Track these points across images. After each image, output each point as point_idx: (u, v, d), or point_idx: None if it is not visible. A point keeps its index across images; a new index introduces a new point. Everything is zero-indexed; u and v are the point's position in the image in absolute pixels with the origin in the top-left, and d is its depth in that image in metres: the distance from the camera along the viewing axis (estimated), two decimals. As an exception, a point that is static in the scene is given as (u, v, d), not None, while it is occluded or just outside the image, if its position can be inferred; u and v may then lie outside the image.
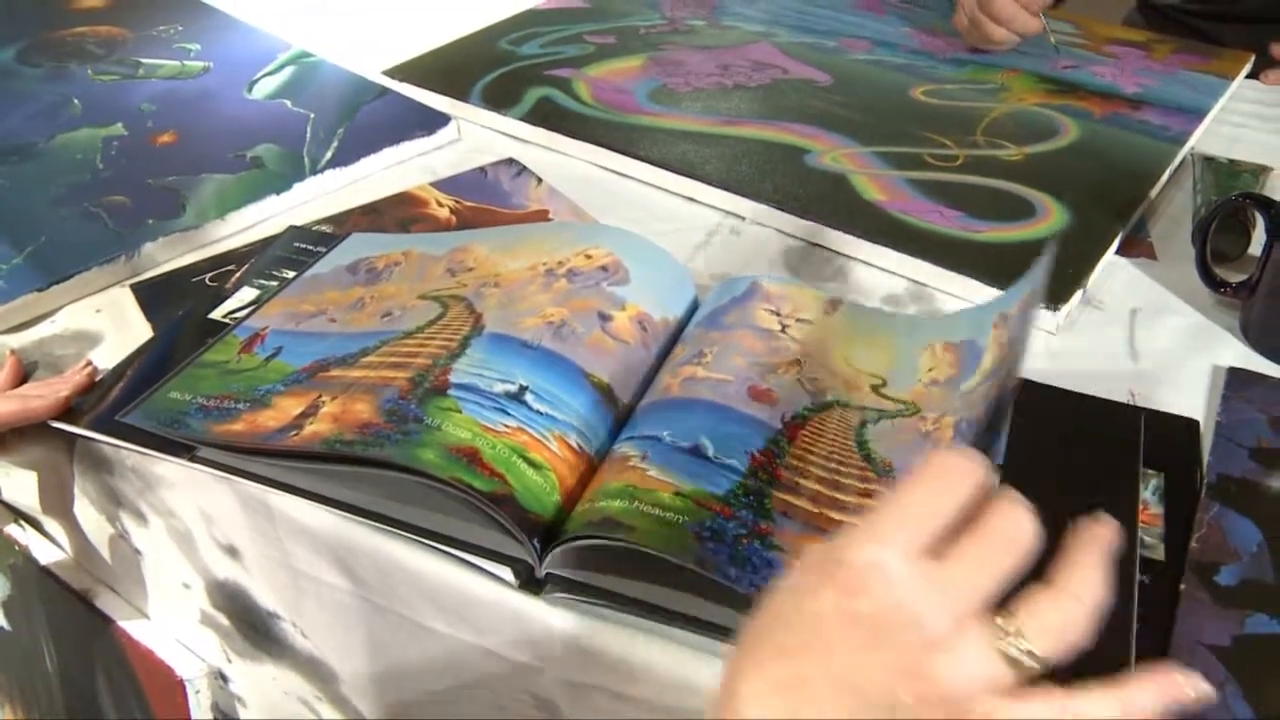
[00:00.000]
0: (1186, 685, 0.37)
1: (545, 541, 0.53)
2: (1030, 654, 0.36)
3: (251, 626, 0.69)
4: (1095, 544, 0.40)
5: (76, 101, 0.97)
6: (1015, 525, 0.38)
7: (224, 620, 0.70)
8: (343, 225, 0.81)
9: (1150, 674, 0.37)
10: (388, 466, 0.54)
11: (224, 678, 0.74)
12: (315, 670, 0.67)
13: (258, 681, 0.72)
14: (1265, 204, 0.70)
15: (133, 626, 0.74)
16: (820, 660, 0.36)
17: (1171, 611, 0.53)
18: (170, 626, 0.74)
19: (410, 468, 0.53)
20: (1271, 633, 0.52)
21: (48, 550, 0.78)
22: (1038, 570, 0.39)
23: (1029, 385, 0.66)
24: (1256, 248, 0.74)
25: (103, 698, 0.80)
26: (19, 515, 0.79)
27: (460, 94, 0.97)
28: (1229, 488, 0.59)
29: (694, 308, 0.69)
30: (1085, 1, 1.40)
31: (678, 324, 0.67)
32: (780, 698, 0.36)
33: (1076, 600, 0.37)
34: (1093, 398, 0.65)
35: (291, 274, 0.74)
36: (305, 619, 0.65)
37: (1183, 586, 0.54)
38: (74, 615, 0.76)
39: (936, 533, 0.37)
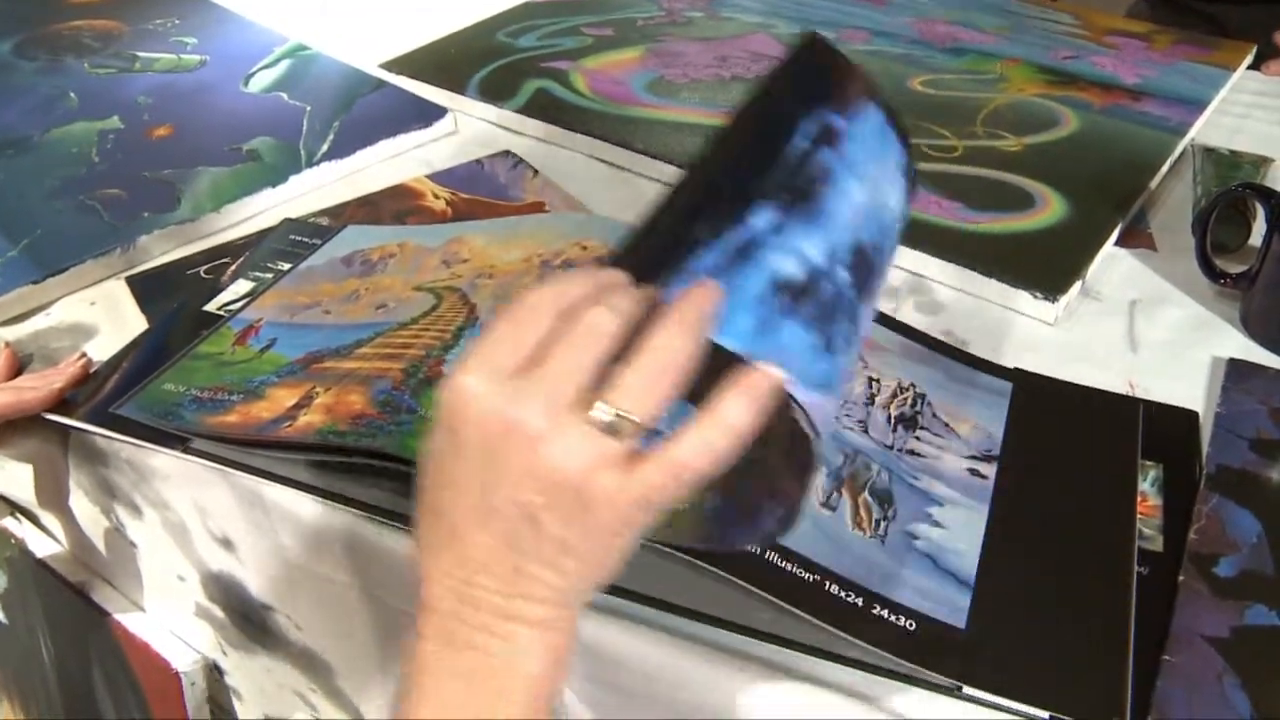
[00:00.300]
0: (762, 377, 0.39)
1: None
2: (620, 415, 0.38)
3: (246, 619, 0.68)
4: (687, 316, 0.40)
5: (73, 95, 0.97)
6: (597, 318, 0.39)
7: (219, 613, 0.70)
8: (338, 218, 0.81)
9: (729, 387, 0.39)
10: (380, 457, 0.54)
11: (219, 670, 0.74)
12: (310, 663, 0.67)
13: (253, 674, 0.72)
14: (1266, 194, 0.70)
15: (128, 619, 0.74)
16: (458, 503, 0.39)
17: (1170, 603, 0.52)
18: (165, 619, 0.74)
19: (402, 458, 0.53)
20: (1271, 625, 0.51)
21: (44, 543, 0.78)
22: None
23: (1027, 376, 0.65)
24: (1257, 239, 0.74)
25: (99, 691, 0.79)
26: (15, 508, 0.79)
27: (457, 87, 0.97)
28: (1228, 479, 0.59)
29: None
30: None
31: None
32: (447, 559, 0.40)
33: (652, 356, 0.38)
34: (1091, 389, 0.65)
35: (287, 266, 0.73)
36: (300, 611, 0.65)
37: (1181, 578, 0.53)
38: (70, 608, 0.76)
39: (523, 353, 0.39)
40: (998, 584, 0.52)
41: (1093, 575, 0.53)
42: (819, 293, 0.42)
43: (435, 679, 0.40)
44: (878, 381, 0.62)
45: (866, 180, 0.45)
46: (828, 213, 0.43)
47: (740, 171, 0.43)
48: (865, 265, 0.44)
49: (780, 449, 0.41)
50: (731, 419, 0.38)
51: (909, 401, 0.61)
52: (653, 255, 0.41)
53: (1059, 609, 0.51)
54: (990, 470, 0.58)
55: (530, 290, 0.40)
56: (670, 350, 0.39)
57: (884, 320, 0.67)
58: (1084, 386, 0.65)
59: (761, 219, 0.41)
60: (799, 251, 0.42)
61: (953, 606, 0.51)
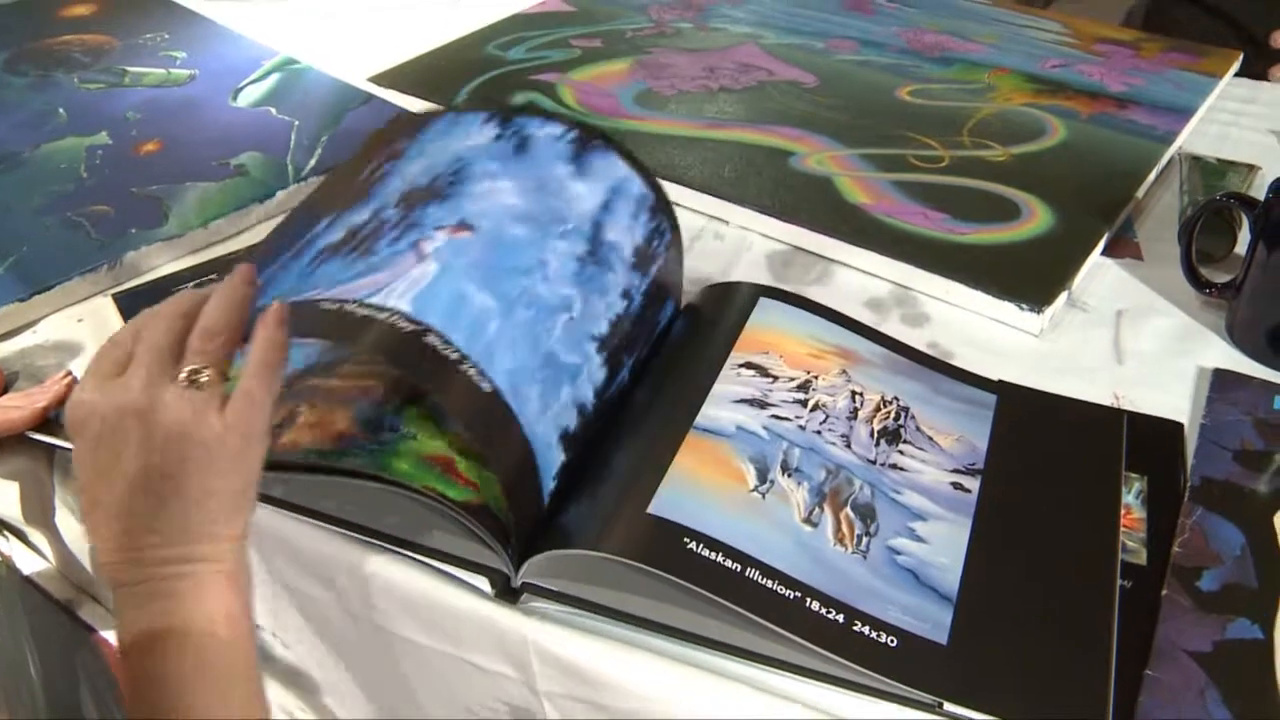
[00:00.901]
0: (274, 308, 0.51)
1: (524, 551, 0.52)
2: (195, 371, 0.48)
3: (233, 637, 0.68)
4: (227, 290, 0.52)
5: (62, 110, 0.97)
6: (160, 311, 0.51)
7: (206, 631, 0.70)
8: (325, 232, 0.81)
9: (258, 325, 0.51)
10: (361, 476, 0.54)
11: (207, 688, 0.74)
12: (297, 680, 0.67)
13: (241, 692, 0.72)
14: (1250, 204, 0.70)
15: (115, 636, 0.74)
16: (109, 488, 0.47)
17: (1153, 617, 0.52)
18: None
19: (382, 477, 0.53)
20: (1254, 638, 0.51)
21: (31, 560, 0.78)
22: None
23: (1011, 388, 0.65)
24: (1242, 248, 0.74)
25: (86, 707, 0.79)
26: (2, 525, 0.78)
27: (445, 101, 0.97)
28: (1212, 491, 0.59)
29: (674, 315, 0.68)
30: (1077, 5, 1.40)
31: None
32: (115, 539, 0.47)
33: (202, 321, 0.50)
34: (1075, 400, 0.65)
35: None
36: (286, 630, 0.65)
37: (1165, 592, 0.53)
38: (57, 625, 0.76)
39: (118, 359, 0.49)
40: (980, 599, 0.52)
41: (1075, 590, 0.53)
42: (363, 237, 0.56)
43: (147, 636, 0.46)
44: (861, 395, 0.62)
45: (422, 167, 0.61)
46: (377, 194, 0.59)
47: (319, 206, 0.62)
48: (416, 202, 0.58)
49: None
50: (265, 342, 0.50)
51: (892, 415, 0.61)
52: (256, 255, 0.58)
53: (1041, 624, 0.51)
54: (973, 484, 0.58)
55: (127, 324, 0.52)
56: (214, 314, 0.50)
57: (868, 333, 0.67)
58: (1068, 398, 0.65)
59: (323, 224, 0.59)
60: (346, 224, 0.58)
61: (935, 623, 0.51)
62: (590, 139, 0.64)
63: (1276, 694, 0.49)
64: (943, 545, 0.54)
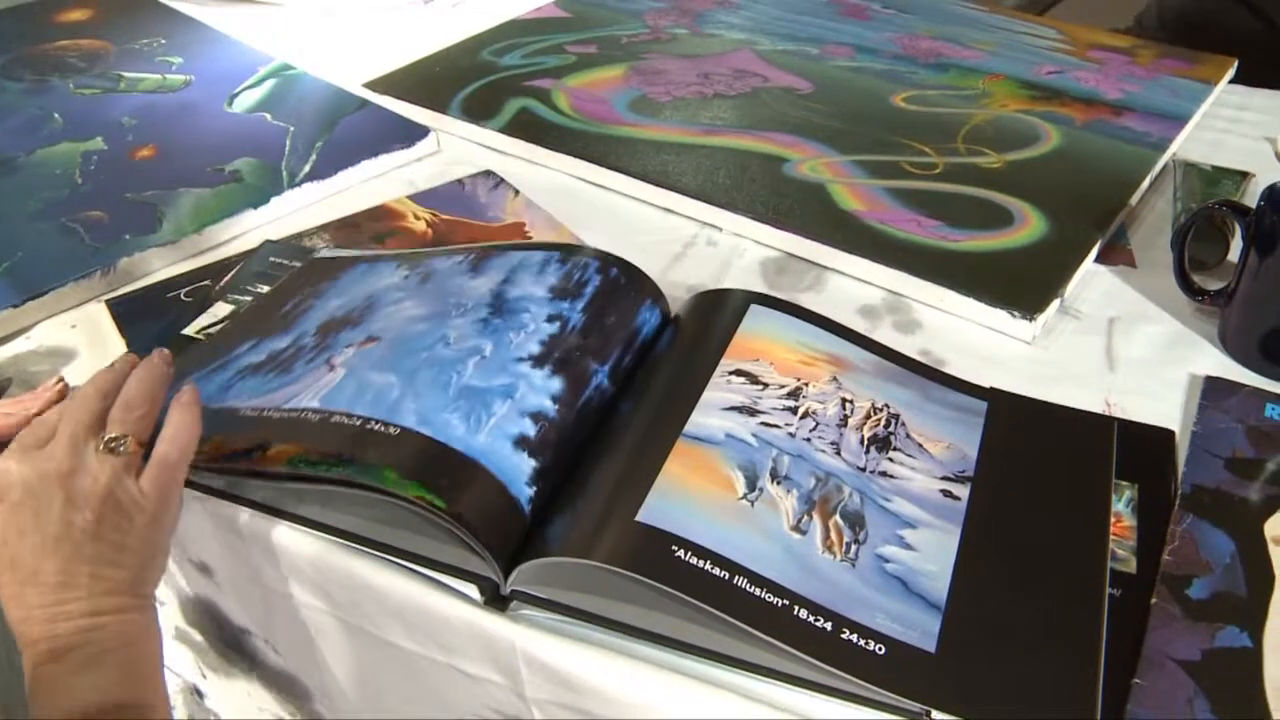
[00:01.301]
0: (187, 391, 0.58)
1: (513, 558, 0.53)
2: (115, 439, 0.54)
3: (225, 643, 0.69)
4: (146, 369, 0.59)
5: (57, 116, 0.97)
6: (85, 388, 0.57)
7: (198, 636, 0.70)
8: (320, 239, 0.81)
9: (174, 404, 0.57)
10: (350, 485, 0.54)
11: (199, 693, 0.74)
12: (288, 686, 0.67)
13: (232, 697, 0.72)
14: (1242, 211, 0.70)
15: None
16: (28, 547, 0.51)
17: (1142, 625, 0.52)
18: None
19: (371, 486, 0.53)
20: (1242, 646, 0.51)
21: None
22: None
23: (1002, 395, 0.65)
24: (1235, 255, 0.74)
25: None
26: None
27: (440, 106, 0.97)
28: (1203, 499, 0.59)
29: (664, 321, 0.68)
30: (1076, 12, 1.41)
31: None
32: (33, 597, 0.50)
33: (125, 394, 0.56)
34: (1066, 408, 0.65)
35: (266, 289, 0.73)
36: (277, 635, 0.65)
37: (1154, 600, 0.53)
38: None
39: (43, 433, 0.54)
40: (968, 607, 0.52)
41: (1064, 599, 0.53)
42: (282, 360, 0.64)
43: (63, 689, 0.50)
44: (851, 402, 0.62)
45: (340, 303, 0.69)
46: (297, 325, 0.67)
47: (243, 329, 0.69)
48: (332, 330, 0.65)
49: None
50: (177, 420, 0.56)
51: (883, 422, 0.61)
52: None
53: (1030, 632, 0.51)
54: (963, 491, 0.58)
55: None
56: (134, 389, 0.56)
57: (859, 340, 0.67)
58: (1059, 406, 0.65)
59: (245, 346, 0.66)
60: (267, 349, 0.65)
61: (923, 630, 0.51)
62: (486, 254, 0.70)
63: (1265, 703, 0.49)
64: (932, 553, 0.54)
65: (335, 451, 0.55)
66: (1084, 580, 0.54)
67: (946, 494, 0.58)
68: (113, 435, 0.54)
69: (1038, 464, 0.61)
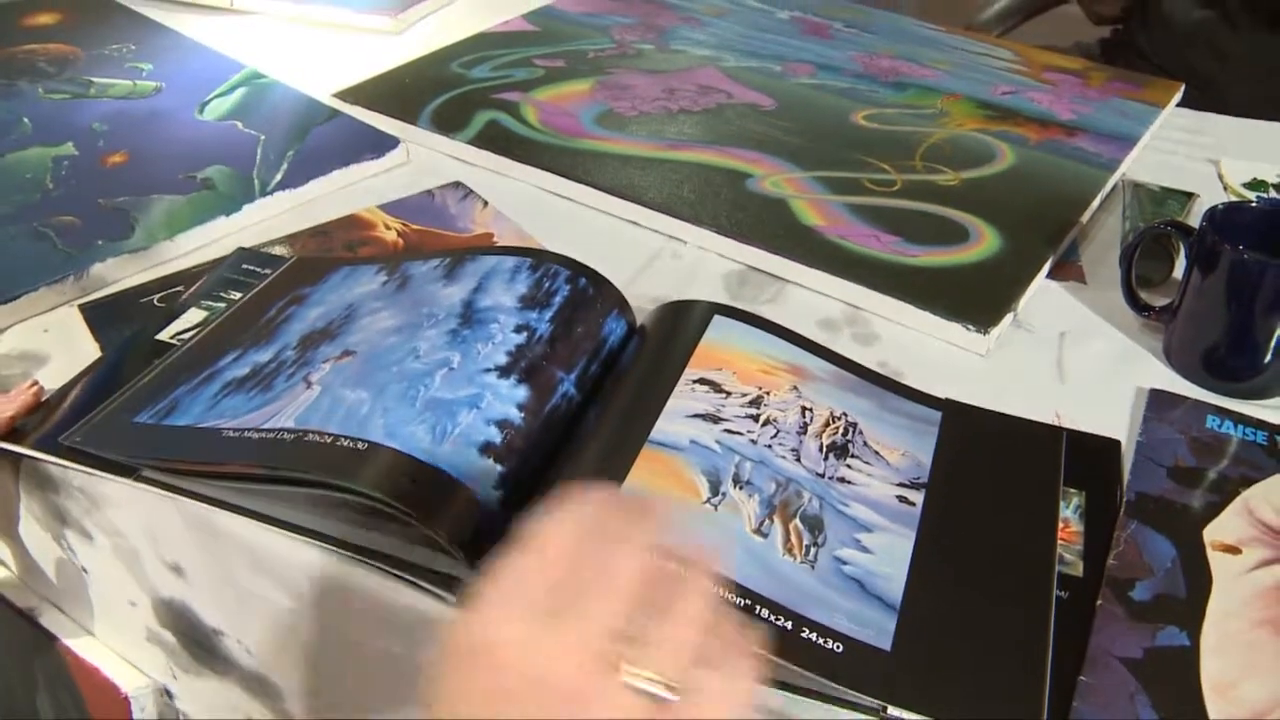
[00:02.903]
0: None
1: (487, 558, 0.54)
2: (653, 679, 0.37)
3: (197, 643, 0.69)
4: (698, 573, 0.41)
5: (26, 120, 0.98)
6: (623, 561, 0.39)
7: (170, 637, 0.71)
8: (291, 247, 0.82)
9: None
10: (324, 486, 0.55)
11: (169, 694, 0.75)
12: (260, 686, 0.68)
13: (203, 697, 0.73)
14: (1186, 231, 0.73)
15: (77, 644, 0.74)
16: None
17: (1087, 625, 0.55)
18: (116, 644, 0.75)
19: (345, 486, 0.54)
20: (1181, 645, 0.54)
21: (-8, 569, 0.78)
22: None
23: (956, 406, 0.68)
24: (1180, 273, 0.77)
25: (44, 715, 0.80)
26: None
27: (410, 117, 0.98)
28: (1147, 506, 0.62)
29: (630, 331, 0.70)
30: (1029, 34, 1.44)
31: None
32: None
33: (682, 622, 0.39)
34: (1018, 419, 0.67)
35: (238, 295, 0.75)
36: (250, 636, 0.66)
37: (1099, 602, 0.56)
38: (17, 633, 0.77)
39: (551, 591, 0.38)
40: (922, 608, 0.54)
41: (1013, 600, 0.55)
42: (264, 375, 0.65)
43: None
44: (810, 410, 0.64)
45: (320, 313, 0.70)
46: (280, 336, 0.68)
47: (228, 337, 0.70)
48: (312, 344, 0.67)
49: None
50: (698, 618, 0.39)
51: (840, 430, 0.63)
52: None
53: (980, 632, 0.54)
54: (918, 497, 0.60)
55: (555, 519, 0.40)
56: (695, 612, 0.39)
57: (819, 351, 0.70)
58: (1010, 416, 0.67)
59: (230, 356, 0.67)
60: (251, 361, 0.66)
61: (879, 629, 0.53)
62: (460, 259, 0.72)
63: (1201, 699, 0.51)
64: (887, 556, 0.57)
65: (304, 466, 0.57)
66: (1033, 582, 0.56)
67: (902, 499, 0.60)
68: (649, 676, 0.37)
69: (989, 471, 0.63)
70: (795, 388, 0.65)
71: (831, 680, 0.50)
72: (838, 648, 0.51)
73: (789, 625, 0.52)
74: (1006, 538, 0.58)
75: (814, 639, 0.51)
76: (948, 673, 0.52)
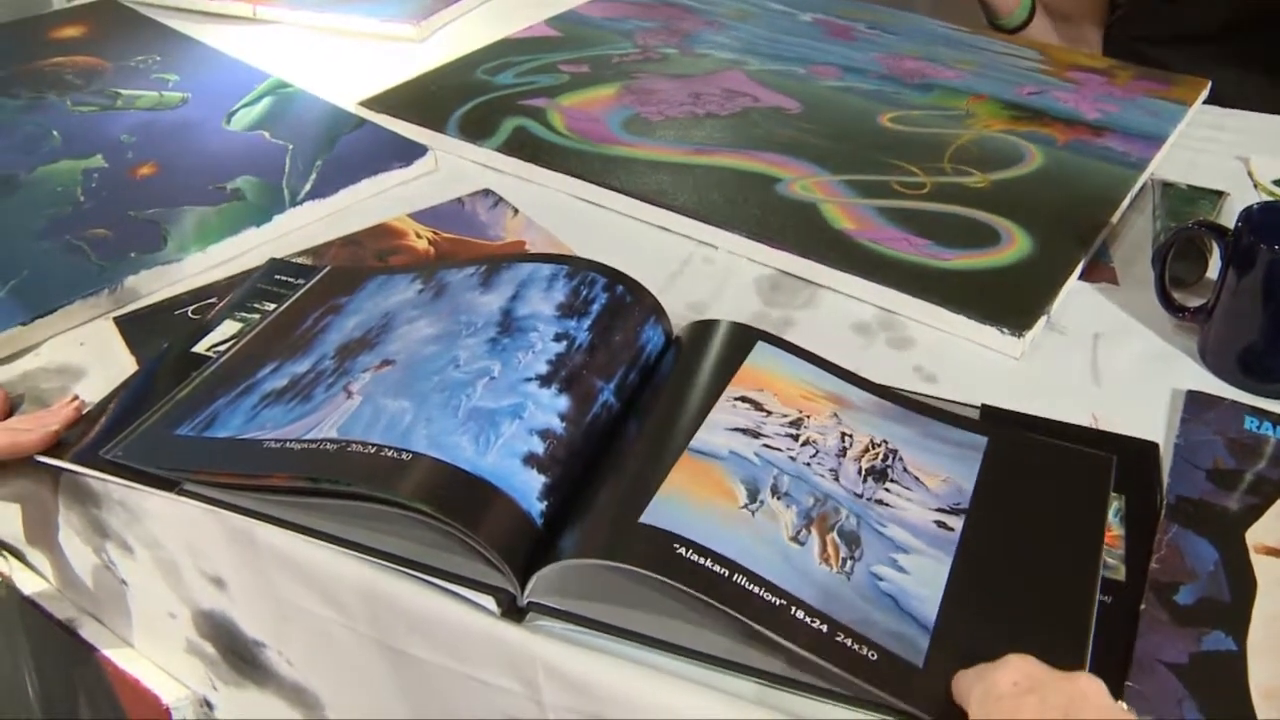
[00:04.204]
0: None
1: (528, 569, 0.54)
2: None
3: (237, 655, 0.70)
4: None
5: (56, 133, 0.98)
6: None
7: (210, 649, 0.71)
8: (323, 257, 0.83)
9: None
10: (365, 498, 0.55)
11: (210, 705, 0.75)
12: (301, 698, 0.68)
13: (244, 709, 0.73)
14: (1220, 231, 0.72)
15: (117, 655, 0.75)
16: None
17: (1132, 630, 0.54)
18: (155, 655, 0.75)
19: (387, 499, 0.54)
20: (1228, 650, 0.54)
21: (31, 580, 0.78)
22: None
23: (1001, 430, 0.66)
24: (1213, 273, 0.77)
25: (85, 723, 0.80)
26: (2, 546, 0.79)
27: (437, 125, 0.99)
28: (1187, 509, 0.61)
29: (666, 342, 0.70)
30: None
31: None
32: None
33: None
34: (1065, 446, 0.65)
35: (272, 306, 0.75)
36: (291, 647, 0.66)
37: (1143, 607, 0.56)
38: (57, 644, 0.77)
39: None
40: (956, 631, 0.53)
41: (1050, 630, 0.54)
42: (303, 385, 0.65)
43: None
44: (850, 436, 0.64)
45: (357, 322, 0.71)
46: (317, 346, 0.69)
47: (265, 349, 0.70)
48: (350, 354, 0.67)
49: None
50: None
51: (880, 456, 0.63)
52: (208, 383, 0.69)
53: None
54: (958, 523, 0.59)
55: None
56: None
57: (860, 382, 0.69)
58: (1058, 443, 0.66)
59: (268, 368, 0.68)
60: (289, 373, 0.67)
61: (912, 646, 0.52)
62: (496, 267, 0.72)
63: (1250, 704, 0.51)
64: (924, 577, 0.56)
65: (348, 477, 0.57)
66: (1071, 614, 0.55)
67: (940, 524, 0.59)
68: None
69: (1033, 499, 0.62)
70: (835, 414, 0.65)
71: (869, 684, 0.50)
72: (872, 655, 0.51)
73: (824, 628, 0.52)
74: (1047, 568, 0.58)
75: (849, 643, 0.51)
76: None
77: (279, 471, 0.59)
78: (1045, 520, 0.61)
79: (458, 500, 0.55)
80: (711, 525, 0.55)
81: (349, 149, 0.95)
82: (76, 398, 0.68)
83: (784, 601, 0.52)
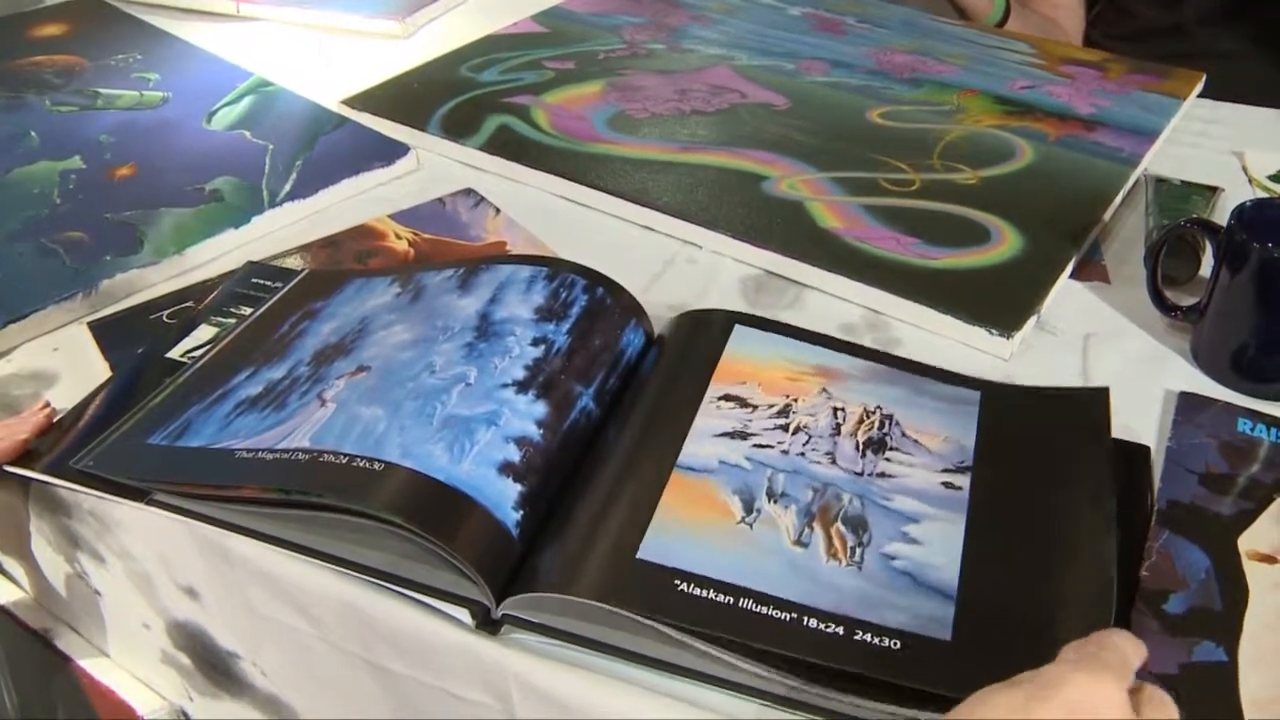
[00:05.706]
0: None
1: (505, 581, 0.53)
2: None
3: (212, 666, 0.69)
4: None
5: (34, 134, 0.97)
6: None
7: (185, 659, 0.70)
8: (302, 258, 0.81)
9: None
10: (338, 510, 0.54)
11: (186, 716, 0.74)
12: (275, 709, 0.67)
13: (220, 719, 0.72)
14: (1213, 229, 0.71)
15: (92, 665, 0.74)
16: None
17: (1121, 640, 0.53)
18: (131, 665, 0.74)
19: (360, 510, 0.53)
20: (1218, 661, 0.52)
21: (6, 589, 0.77)
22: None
23: (994, 385, 0.67)
24: (1206, 271, 0.76)
25: (63, 736, 0.79)
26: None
27: (419, 123, 0.97)
28: (1178, 514, 0.60)
29: (648, 342, 0.69)
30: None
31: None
32: None
33: None
34: (1057, 387, 0.66)
35: (249, 310, 0.74)
36: (265, 658, 0.65)
37: (1133, 615, 0.54)
38: (32, 654, 0.76)
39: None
40: (981, 591, 0.53)
41: (1074, 569, 0.54)
42: (278, 393, 0.64)
43: None
44: (843, 410, 0.63)
45: (333, 327, 0.69)
46: (293, 352, 0.67)
47: (241, 354, 0.69)
48: (325, 360, 0.66)
49: None
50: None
51: (876, 424, 0.62)
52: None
53: (1043, 606, 0.52)
54: (964, 481, 0.59)
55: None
56: None
57: (845, 347, 0.68)
58: (1052, 387, 0.66)
59: (243, 375, 0.66)
60: (264, 379, 0.65)
61: (938, 620, 0.51)
62: (475, 269, 0.71)
63: (1241, 715, 0.50)
64: (938, 545, 0.55)
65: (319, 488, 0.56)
66: (1093, 547, 0.55)
67: (947, 485, 0.59)
68: None
69: (1036, 446, 0.62)
70: (824, 389, 0.64)
71: (893, 678, 0.49)
72: (894, 644, 0.50)
73: (840, 630, 0.51)
74: (1061, 508, 0.57)
75: (868, 639, 0.50)
76: (1012, 657, 0.50)
77: (250, 482, 0.58)
78: (1051, 464, 0.60)
79: (430, 511, 0.53)
80: (710, 550, 0.54)
81: (330, 148, 0.94)
82: (48, 405, 0.67)
83: (795, 615, 0.51)
